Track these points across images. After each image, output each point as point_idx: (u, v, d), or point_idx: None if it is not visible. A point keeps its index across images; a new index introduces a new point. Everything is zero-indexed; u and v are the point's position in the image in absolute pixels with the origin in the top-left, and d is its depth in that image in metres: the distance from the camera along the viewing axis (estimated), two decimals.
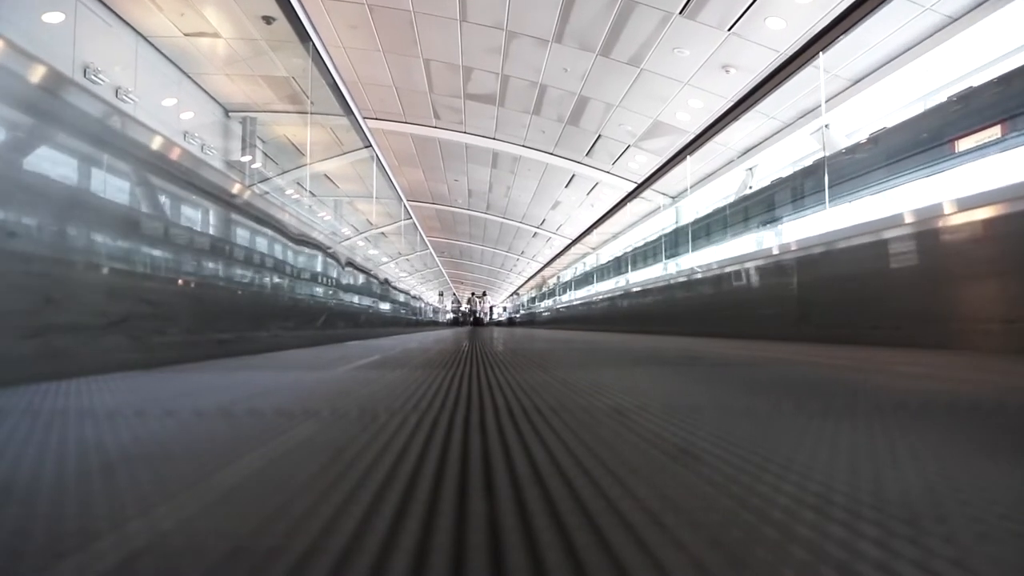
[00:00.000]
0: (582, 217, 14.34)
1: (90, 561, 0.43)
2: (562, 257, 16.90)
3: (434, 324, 18.42)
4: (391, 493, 0.60)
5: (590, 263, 14.75)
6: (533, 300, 23.24)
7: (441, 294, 31.66)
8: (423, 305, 17.04)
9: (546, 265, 19.13)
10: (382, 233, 14.54)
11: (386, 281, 9.27)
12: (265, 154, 8.26)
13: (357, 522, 0.51)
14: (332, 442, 0.86)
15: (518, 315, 27.86)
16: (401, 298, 11.20)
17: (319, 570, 0.42)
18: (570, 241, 15.54)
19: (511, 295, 32.11)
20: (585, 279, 14.34)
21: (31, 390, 1.37)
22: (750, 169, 8.60)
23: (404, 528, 0.50)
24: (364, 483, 0.64)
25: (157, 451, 0.81)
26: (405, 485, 0.63)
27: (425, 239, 18.34)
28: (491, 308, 36.40)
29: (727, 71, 7.23)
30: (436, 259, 22.48)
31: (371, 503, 0.57)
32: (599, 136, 10.17)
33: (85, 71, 4.94)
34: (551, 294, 19.03)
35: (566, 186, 12.97)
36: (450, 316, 29.76)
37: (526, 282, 24.65)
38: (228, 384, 1.64)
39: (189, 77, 6.90)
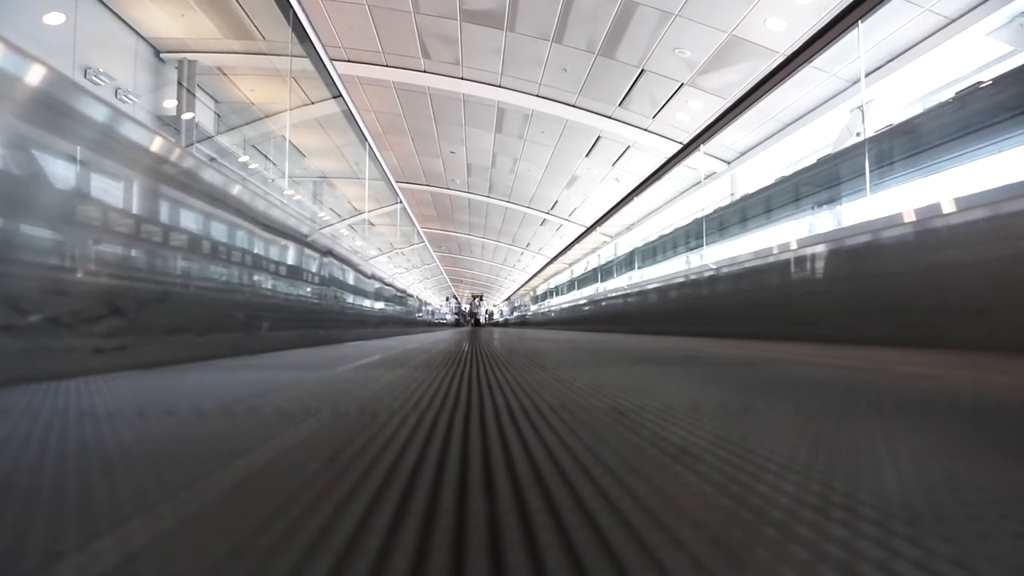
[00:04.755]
0: (603, 197, 11.93)
1: (90, 561, 0.43)
2: (572, 250, 14.61)
3: (437, 325, 18.37)
4: (391, 492, 0.60)
5: (604, 255, 12.79)
6: (536, 299, 22.73)
7: (447, 299, 32.37)
8: (426, 307, 16.85)
9: (555, 258, 17.11)
10: (369, 222, 12.66)
11: (398, 289, 9.05)
12: (217, 115, 6.72)
13: (357, 521, 0.51)
14: (332, 441, 0.86)
15: (513, 316, 27.81)
16: (395, 296, 10.84)
17: (319, 569, 0.42)
18: (585, 228, 12.95)
19: (509, 296, 32.13)
20: (591, 277, 12.85)
21: (31, 389, 1.37)
22: (860, 107, 5.95)
23: (404, 527, 0.50)
24: (364, 482, 0.64)
25: (157, 450, 0.81)
26: (405, 484, 0.63)
27: (419, 229, 16.16)
28: (488, 311, 36.82)
29: None
30: (433, 255, 21.92)
31: (371, 502, 0.57)
32: (642, 71, 7.53)
33: None
34: (554, 293, 17.86)
35: (587, 155, 10.48)
36: (452, 318, 30.08)
37: (530, 279, 23.90)
38: (228, 384, 1.64)
39: None
